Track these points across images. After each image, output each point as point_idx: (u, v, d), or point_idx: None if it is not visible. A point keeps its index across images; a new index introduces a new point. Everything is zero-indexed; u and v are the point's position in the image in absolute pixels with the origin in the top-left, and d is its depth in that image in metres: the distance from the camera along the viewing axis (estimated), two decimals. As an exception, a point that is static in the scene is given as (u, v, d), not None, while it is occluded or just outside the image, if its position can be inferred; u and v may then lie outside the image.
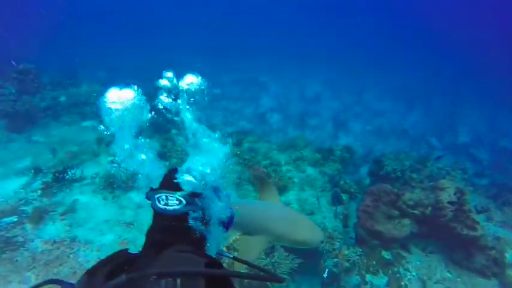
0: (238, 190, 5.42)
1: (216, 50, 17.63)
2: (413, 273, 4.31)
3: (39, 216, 4.76)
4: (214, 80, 14.99)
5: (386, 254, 4.54)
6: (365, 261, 4.29)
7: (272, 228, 2.65)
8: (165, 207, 1.15)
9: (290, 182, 5.47)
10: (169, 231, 1.16)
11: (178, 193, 1.17)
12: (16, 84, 9.01)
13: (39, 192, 5.39)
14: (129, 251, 1.10)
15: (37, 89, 9.01)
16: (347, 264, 4.17)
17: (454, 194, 4.47)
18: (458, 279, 4.20)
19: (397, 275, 4.27)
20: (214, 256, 1.25)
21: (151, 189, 1.21)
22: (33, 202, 5.15)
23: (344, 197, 5.35)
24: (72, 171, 5.73)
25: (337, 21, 27.39)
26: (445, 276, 4.27)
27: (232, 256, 1.48)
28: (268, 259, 3.92)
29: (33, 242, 4.42)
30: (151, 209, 1.19)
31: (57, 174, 5.61)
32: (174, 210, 1.15)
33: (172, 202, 1.16)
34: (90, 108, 8.65)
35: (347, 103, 14.30)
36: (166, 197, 1.17)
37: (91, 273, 0.96)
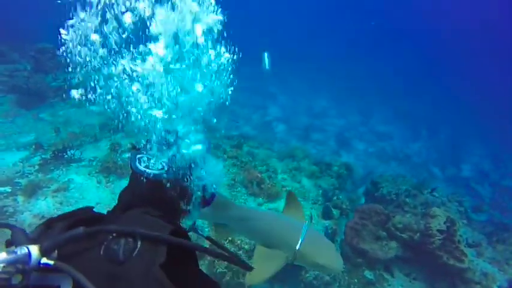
0: (231, 191, 5.45)
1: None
2: (394, 296, 4.27)
3: (32, 190, 4.85)
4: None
5: (369, 274, 4.50)
6: (346, 278, 4.26)
7: (295, 246, 2.52)
8: (145, 169, 1.08)
9: (283, 191, 5.48)
10: (144, 196, 1.09)
11: (163, 158, 1.10)
12: (32, 62, 9.27)
13: (37, 167, 5.50)
14: (93, 209, 1.06)
15: (51, 69, 9.24)
16: (328, 278, 4.15)
17: (444, 223, 4.44)
18: (438, 309, 4.14)
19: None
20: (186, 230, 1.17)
21: (135, 148, 1.15)
22: (29, 176, 5.25)
23: (335, 212, 5.34)
24: (72, 151, 5.84)
25: (351, 39, 27.64)
26: (426, 306, 4.22)
27: (205, 236, 1.39)
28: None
29: (22, 214, 4.50)
30: (130, 169, 1.12)
31: (56, 152, 5.72)
32: (154, 174, 1.07)
33: (153, 165, 1.09)
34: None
35: (353, 122, 14.34)
36: (148, 159, 1.10)
37: (48, 224, 0.90)
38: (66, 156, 5.75)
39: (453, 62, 25.54)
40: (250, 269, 1.13)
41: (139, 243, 0.83)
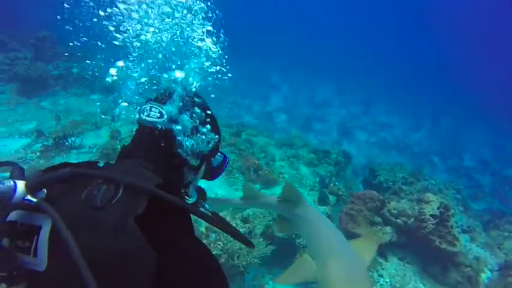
0: (228, 177, 5.58)
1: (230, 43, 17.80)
2: (387, 280, 4.40)
3: (34, 176, 5.00)
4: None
5: (363, 258, 4.63)
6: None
7: (327, 275, 2.26)
8: (145, 117, 1.04)
9: (280, 177, 5.60)
10: (143, 146, 1.05)
11: (164, 106, 1.05)
12: (33, 50, 9.36)
13: (38, 154, 5.65)
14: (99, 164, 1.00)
15: (52, 58, 9.33)
16: (322, 261, 4.29)
17: (438, 208, 4.54)
18: (429, 291, 4.28)
19: (371, 279, 4.37)
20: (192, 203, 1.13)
21: (147, 100, 1.10)
22: (30, 162, 5.41)
23: (331, 198, 5.46)
24: (72, 138, 5.98)
25: (356, 29, 27.38)
26: (418, 287, 4.36)
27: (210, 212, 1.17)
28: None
29: (25, 198, 4.66)
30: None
31: (57, 140, 5.86)
32: (152, 122, 1.03)
33: (154, 114, 1.04)
34: (100, 82, 8.93)
35: (355, 113, 14.36)
36: (150, 107, 1.05)
37: (48, 168, 0.89)
38: (66, 143, 5.90)
39: (456, 54, 25.29)
40: (251, 245, 1.05)
41: (120, 191, 0.80)
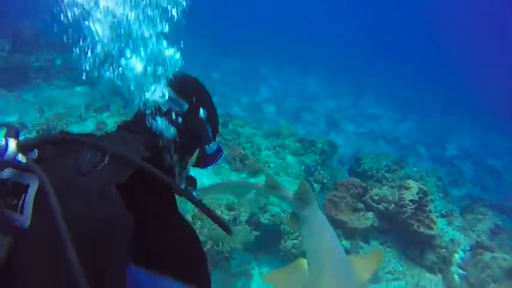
0: (214, 167, 5.70)
1: (217, 34, 17.70)
2: (367, 262, 4.63)
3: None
4: (213, 64, 15.21)
5: (345, 243, 4.85)
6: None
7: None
8: (148, 97, 1.07)
9: (266, 166, 5.76)
10: (140, 123, 1.08)
11: (167, 88, 1.09)
12: (11, 41, 9.19)
13: (22, 146, 5.65)
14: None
15: (33, 49, 9.19)
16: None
17: (417, 193, 4.77)
18: (407, 272, 4.53)
19: None
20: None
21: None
22: (15, 154, 5.41)
23: (316, 186, 5.65)
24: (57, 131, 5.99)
25: (348, 23, 27.53)
26: (397, 268, 4.60)
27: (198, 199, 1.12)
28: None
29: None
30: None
31: (41, 132, 5.87)
32: (153, 101, 1.07)
33: (157, 94, 1.08)
34: (84, 74, 8.85)
35: (343, 105, 14.59)
36: (155, 88, 1.10)
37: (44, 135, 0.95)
38: (51, 135, 5.91)
39: (450, 49, 25.74)
40: (229, 232, 1.06)
41: (106, 159, 0.83)
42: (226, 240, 4.01)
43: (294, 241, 4.45)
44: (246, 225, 4.26)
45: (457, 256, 4.68)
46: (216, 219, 1.02)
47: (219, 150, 1.30)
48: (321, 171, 5.93)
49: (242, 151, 5.77)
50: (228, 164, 5.76)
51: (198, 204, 1.00)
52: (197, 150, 1.20)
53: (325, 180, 5.69)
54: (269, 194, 3.41)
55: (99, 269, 0.73)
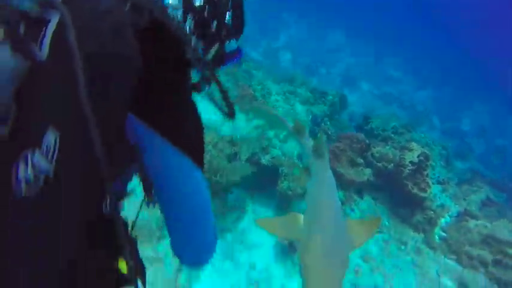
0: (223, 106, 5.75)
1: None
2: (357, 213, 4.88)
3: None
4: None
5: (339, 194, 5.06)
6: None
7: (306, 245, 2.10)
8: None
9: (273, 110, 5.79)
10: None
11: None
12: None
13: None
14: None
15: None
16: (300, 191, 4.68)
17: (418, 156, 4.84)
18: (392, 228, 4.79)
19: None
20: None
21: None
22: None
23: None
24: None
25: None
26: (383, 223, 4.86)
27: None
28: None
29: None
30: None
31: None
32: None
33: None
34: None
35: (363, 63, 14.05)
36: None
37: None
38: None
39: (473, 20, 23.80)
40: (232, 116, 1.05)
41: (128, 5, 0.82)
42: (225, 173, 4.22)
43: (291, 184, 4.64)
44: (246, 163, 4.44)
45: (442, 220, 4.90)
46: (226, 99, 1.01)
47: (239, 49, 1.18)
48: (328, 123, 5.96)
49: (252, 92, 5.76)
50: (236, 103, 5.80)
51: (215, 79, 0.97)
52: (216, 44, 1.08)
53: (330, 132, 5.75)
54: (293, 136, 3.32)
55: (103, 110, 0.75)
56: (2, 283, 0.67)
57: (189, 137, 0.92)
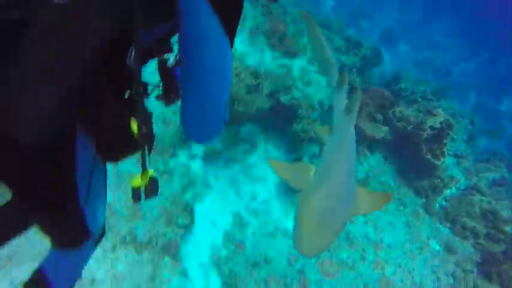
0: (251, 39, 5.61)
1: None
2: (365, 167, 4.98)
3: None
4: None
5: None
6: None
7: (307, 200, 2.08)
8: None
9: (302, 50, 5.63)
10: None
11: None
12: None
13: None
14: None
15: None
16: (313, 134, 4.75)
17: (440, 123, 4.73)
18: (396, 189, 4.90)
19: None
20: None
21: None
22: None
23: (346, 88, 5.61)
24: None
25: None
26: (388, 182, 4.97)
27: None
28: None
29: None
30: None
31: None
32: None
33: None
34: None
35: (408, 22, 12.99)
36: None
37: None
38: None
39: None
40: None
41: None
42: (243, 103, 4.30)
43: (306, 126, 4.69)
44: (265, 97, 4.47)
45: (448, 191, 4.95)
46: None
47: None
48: (355, 75, 5.79)
49: (284, 28, 5.56)
50: (266, 39, 5.64)
51: None
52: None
53: (356, 84, 5.61)
54: (330, 85, 2.83)
55: None
56: (25, 95, 0.71)
57: (227, 4, 0.92)
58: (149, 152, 1.04)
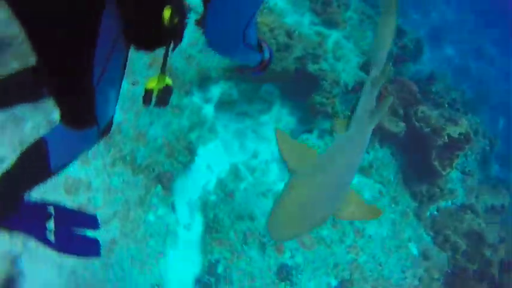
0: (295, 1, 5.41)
1: None
2: (370, 156, 5.00)
3: None
4: None
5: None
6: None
7: (297, 181, 2.05)
8: None
9: (342, 24, 5.46)
10: None
11: None
12: None
13: None
14: None
15: None
16: (330, 110, 4.73)
17: (460, 134, 4.67)
18: (394, 186, 4.97)
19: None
20: None
21: None
22: None
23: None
24: None
25: None
26: (388, 177, 5.02)
27: None
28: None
29: None
30: None
31: None
32: None
33: None
34: None
35: (461, 24, 12.22)
36: None
37: None
38: None
39: None
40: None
41: None
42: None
43: (324, 100, 4.66)
44: (293, 60, 4.42)
45: (443, 202, 5.01)
46: None
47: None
48: (391, 64, 5.61)
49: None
50: (309, 2, 5.44)
51: None
52: None
53: (389, 74, 5.47)
54: (367, 79, 2.52)
55: None
56: None
57: None
58: (173, 49, 1.05)
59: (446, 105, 5.69)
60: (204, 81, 4.45)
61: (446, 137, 4.64)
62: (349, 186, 2.28)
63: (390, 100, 2.45)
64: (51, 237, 1.24)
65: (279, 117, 4.98)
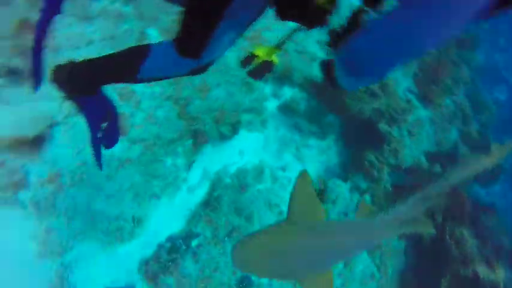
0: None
1: None
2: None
3: None
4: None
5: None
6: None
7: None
8: None
9: (437, 107, 5.29)
10: None
11: None
12: None
13: None
14: None
15: None
16: (376, 174, 4.59)
17: (489, 280, 4.31)
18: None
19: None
20: None
21: None
22: None
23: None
24: None
25: None
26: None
27: None
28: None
29: None
30: None
31: None
32: None
33: None
34: None
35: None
36: None
37: None
38: None
39: None
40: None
41: None
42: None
43: (375, 161, 4.54)
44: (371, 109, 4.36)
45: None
46: None
47: None
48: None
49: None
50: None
51: None
52: None
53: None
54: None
55: None
56: None
57: None
58: (309, 29, 1.04)
59: (490, 245, 5.25)
60: (283, 79, 4.53)
61: (471, 271, 4.32)
62: (330, 268, 2.08)
63: (432, 232, 2.17)
64: (99, 134, 1.34)
65: (326, 150, 4.92)
